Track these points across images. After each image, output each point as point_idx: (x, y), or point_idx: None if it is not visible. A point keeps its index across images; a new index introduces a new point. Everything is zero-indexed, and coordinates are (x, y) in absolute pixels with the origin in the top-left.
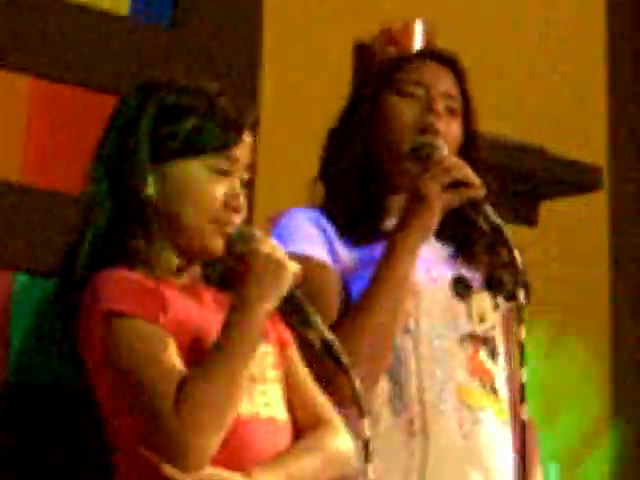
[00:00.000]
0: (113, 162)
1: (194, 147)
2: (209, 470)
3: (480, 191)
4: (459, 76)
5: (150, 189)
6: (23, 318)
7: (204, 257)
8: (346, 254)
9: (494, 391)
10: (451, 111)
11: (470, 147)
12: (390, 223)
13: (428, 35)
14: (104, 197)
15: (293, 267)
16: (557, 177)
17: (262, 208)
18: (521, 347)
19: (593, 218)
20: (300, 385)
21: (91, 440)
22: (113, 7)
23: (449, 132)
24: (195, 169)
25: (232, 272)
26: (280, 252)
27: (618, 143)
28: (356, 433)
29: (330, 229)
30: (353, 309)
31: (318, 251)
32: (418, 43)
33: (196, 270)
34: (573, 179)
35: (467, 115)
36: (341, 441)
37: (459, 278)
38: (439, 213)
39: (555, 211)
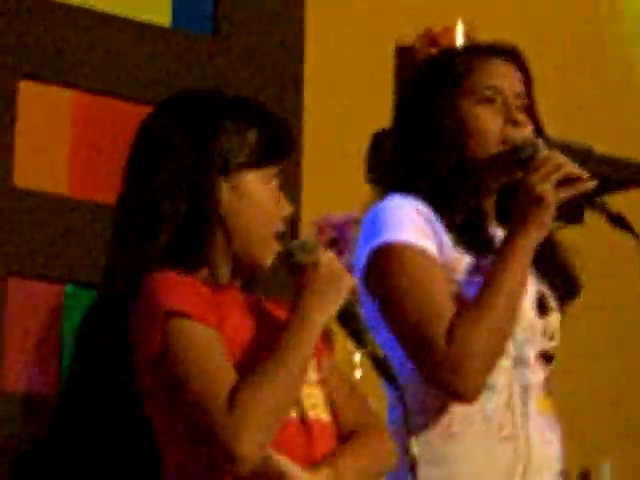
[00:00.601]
0: (178, 172)
1: (255, 160)
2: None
3: (591, 184)
4: (523, 70)
5: (224, 200)
6: (73, 330)
7: (251, 269)
8: (455, 255)
9: (550, 398)
10: (522, 108)
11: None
12: (491, 229)
13: (469, 36)
14: (174, 209)
15: (351, 280)
16: (606, 175)
17: (308, 213)
18: None
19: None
20: (339, 390)
21: (141, 444)
22: (155, 18)
23: (527, 129)
24: (256, 181)
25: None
26: (338, 264)
27: None
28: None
29: (439, 224)
30: (472, 306)
31: (427, 243)
32: (460, 44)
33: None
34: (620, 177)
35: (533, 108)
36: (385, 441)
37: (542, 295)
38: (554, 211)
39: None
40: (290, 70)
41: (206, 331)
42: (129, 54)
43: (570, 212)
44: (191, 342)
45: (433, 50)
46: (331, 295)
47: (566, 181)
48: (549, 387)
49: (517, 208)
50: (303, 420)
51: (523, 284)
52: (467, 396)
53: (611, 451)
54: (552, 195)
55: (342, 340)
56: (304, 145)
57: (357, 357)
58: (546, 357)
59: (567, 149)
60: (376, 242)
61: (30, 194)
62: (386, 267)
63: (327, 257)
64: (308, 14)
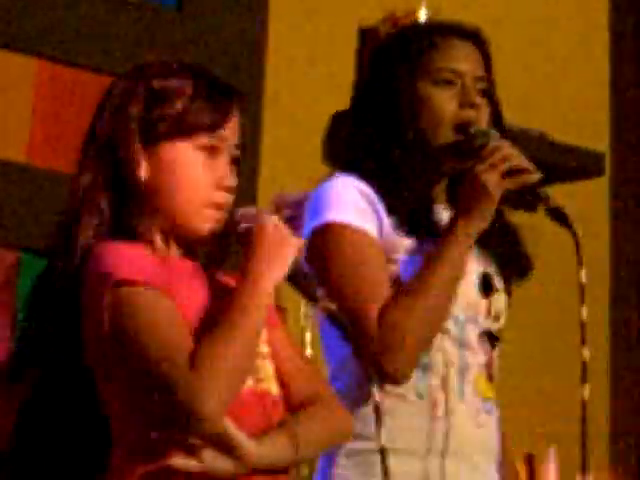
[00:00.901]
0: (106, 145)
1: (182, 129)
2: (226, 424)
3: (536, 176)
4: (484, 53)
5: (142, 171)
6: (27, 300)
7: (192, 238)
8: (395, 237)
9: (492, 380)
10: (482, 92)
11: (497, 124)
12: (438, 212)
13: (433, 18)
14: (99, 183)
15: (297, 241)
16: (558, 163)
17: (265, 191)
18: (582, 326)
19: (594, 204)
20: (292, 362)
21: (90, 416)
22: None
23: (484, 116)
24: (184, 151)
25: (226, 249)
26: (284, 227)
27: (620, 129)
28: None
29: (380, 206)
30: (407, 289)
31: (366, 223)
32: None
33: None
34: (574, 165)
35: (492, 91)
36: (338, 409)
37: (486, 276)
38: (497, 201)
39: (556, 197)
40: (253, 45)
41: (157, 297)
42: (94, 25)
43: (524, 200)
44: (144, 309)
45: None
46: (278, 257)
47: (513, 172)
48: (492, 371)
49: (462, 196)
50: (250, 392)
51: (460, 271)
52: (395, 378)
53: (557, 436)
54: (497, 186)
55: (293, 317)
56: (263, 122)
57: (308, 336)
58: (490, 337)
59: (523, 134)
60: (317, 221)
61: None
62: (324, 246)
63: (271, 221)
64: None
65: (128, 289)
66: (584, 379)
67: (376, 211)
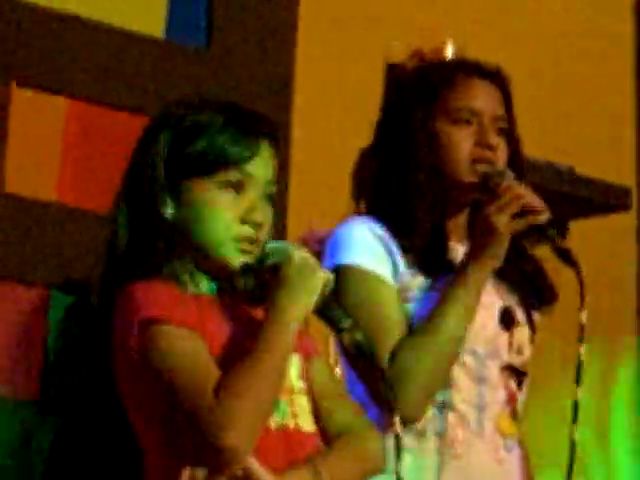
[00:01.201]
0: (134, 182)
1: (206, 166)
2: (249, 460)
3: (545, 216)
4: (504, 92)
5: (168, 209)
6: (58, 334)
7: (223, 273)
8: (408, 276)
9: (516, 417)
10: (500, 131)
11: (516, 163)
12: (453, 249)
13: (458, 56)
14: (125, 217)
15: (325, 273)
16: (585, 197)
17: (294, 224)
18: (578, 366)
19: (621, 237)
20: (329, 393)
21: (123, 447)
22: (149, 29)
23: (501, 155)
24: (209, 187)
25: (265, 285)
26: (312, 260)
27: None
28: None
29: (394, 247)
30: (418, 332)
31: (378, 265)
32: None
33: (225, 285)
34: (601, 199)
35: (512, 130)
36: (372, 442)
37: (506, 309)
38: (507, 242)
39: (584, 231)
40: (281, 83)
41: (185, 334)
42: (122, 64)
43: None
44: (171, 346)
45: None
46: (304, 290)
47: (522, 213)
48: (515, 406)
49: (474, 237)
50: (281, 429)
51: (471, 311)
52: (405, 416)
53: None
54: (506, 227)
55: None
56: (293, 158)
57: (337, 371)
58: (515, 372)
59: (551, 169)
60: (331, 264)
61: (21, 200)
62: (338, 289)
63: (298, 255)
64: (300, 27)
65: (156, 327)
66: (575, 419)
67: (390, 252)
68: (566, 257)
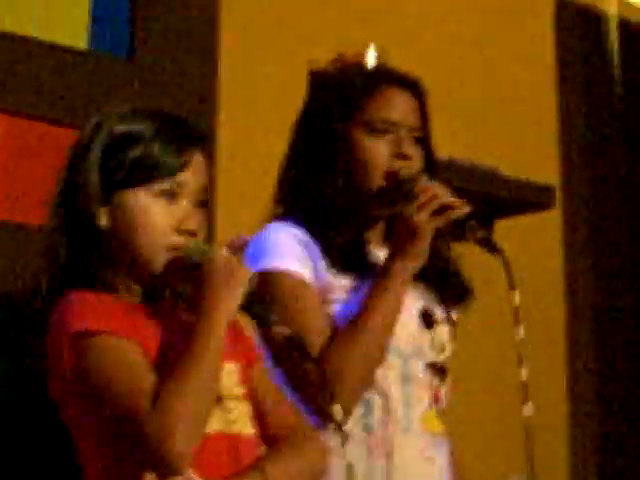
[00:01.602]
0: (67, 194)
1: (139, 176)
2: (187, 474)
3: (464, 209)
4: (421, 102)
5: (102, 219)
6: None
7: (155, 281)
8: (330, 278)
9: (442, 416)
10: (416, 140)
11: (430, 170)
12: (373, 254)
13: (381, 61)
14: (61, 228)
15: (247, 271)
16: (508, 197)
17: (223, 230)
18: (518, 348)
19: (546, 237)
20: (271, 398)
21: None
22: (72, 41)
23: (417, 165)
24: (142, 197)
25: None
26: (234, 259)
27: (570, 162)
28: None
29: (315, 248)
30: (345, 332)
31: (300, 268)
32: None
33: (164, 292)
34: (525, 198)
35: (427, 140)
36: (315, 442)
37: (426, 309)
38: (429, 239)
39: (508, 230)
40: (205, 91)
41: (117, 342)
42: (47, 77)
43: (455, 234)
44: (103, 356)
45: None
46: (229, 289)
47: (441, 210)
48: (440, 404)
49: (395, 238)
50: (219, 435)
51: (397, 311)
52: (341, 413)
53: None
54: (427, 225)
55: None
56: (218, 167)
57: None
58: (437, 369)
59: (475, 170)
60: (254, 269)
61: None
62: (262, 293)
63: (219, 254)
64: (222, 37)
65: (87, 340)
66: (525, 400)
67: (310, 254)
68: (490, 246)
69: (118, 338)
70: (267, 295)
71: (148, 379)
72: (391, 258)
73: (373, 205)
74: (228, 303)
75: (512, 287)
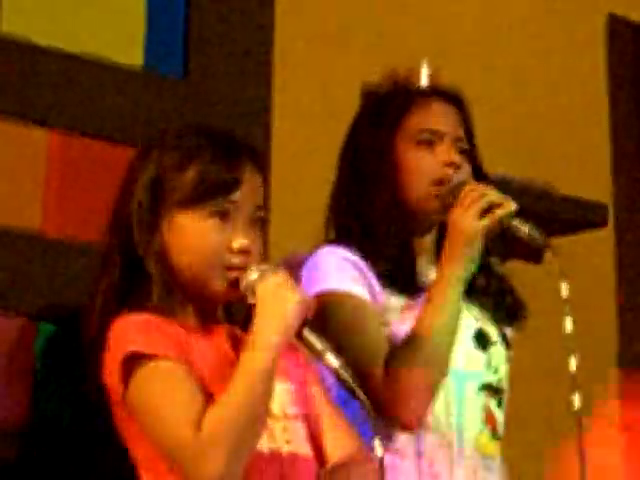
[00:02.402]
0: (121, 214)
1: (192, 197)
2: None
3: (511, 206)
4: (464, 114)
5: (156, 240)
6: (46, 366)
7: (207, 300)
8: (384, 298)
9: (497, 438)
10: (462, 152)
11: (480, 180)
12: (423, 269)
13: (433, 77)
14: (115, 248)
15: (303, 297)
16: (562, 215)
17: (277, 248)
18: (569, 339)
19: (599, 254)
20: (327, 419)
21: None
22: (127, 60)
23: (464, 174)
24: (195, 218)
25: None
26: (287, 285)
27: (622, 180)
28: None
29: (367, 268)
30: (408, 340)
31: (357, 288)
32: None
33: (218, 312)
34: (578, 217)
35: (472, 151)
36: (368, 466)
37: (481, 330)
38: (480, 241)
39: (560, 248)
40: (259, 110)
41: (167, 365)
42: (102, 95)
43: (528, 251)
44: (152, 379)
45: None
46: (281, 315)
47: (489, 209)
48: (495, 426)
49: (446, 243)
50: (275, 455)
51: (456, 314)
52: (412, 423)
53: None
54: (475, 226)
55: None
56: (272, 185)
57: None
58: (492, 390)
59: (527, 187)
60: (309, 293)
61: (4, 231)
62: (320, 316)
63: (274, 279)
64: (276, 56)
65: (137, 362)
66: (573, 388)
67: (364, 276)
68: (539, 240)
69: (168, 361)
70: (325, 319)
71: (194, 405)
72: (442, 265)
73: (423, 214)
74: (277, 331)
75: (561, 278)
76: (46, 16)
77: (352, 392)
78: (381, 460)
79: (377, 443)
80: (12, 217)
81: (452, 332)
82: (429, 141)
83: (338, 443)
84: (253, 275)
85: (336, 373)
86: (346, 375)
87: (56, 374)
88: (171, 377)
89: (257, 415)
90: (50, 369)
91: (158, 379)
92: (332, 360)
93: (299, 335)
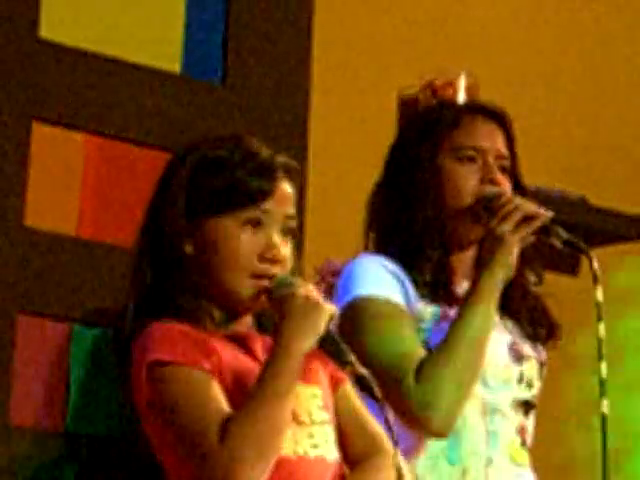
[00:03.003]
0: (154, 219)
1: (225, 204)
2: None
3: (546, 216)
4: (507, 132)
5: (187, 246)
6: (80, 368)
7: (238, 308)
8: (421, 307)
9: (526, 447)
10: (503, 169)
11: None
12: (460, 284)
13: (471, 88)
14: (147, 253)
15: (329, 308)
16: (599, 227)
17: (312, 258)
18: (599, 343)
19: (636, 268)
20: (356, 419)
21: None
22: (165, 65)
23: (505, 188)
24: (228, 225)
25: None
26: (316, 294)
27: None
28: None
29: (405, 278)
30: (441, 345)
31: (393, 294)
32: (462, 96)
33: (247, 320)
34: (615, 229)
35: (514, 169)
36: (388, 472)
37: (514, 343)
38: (516, 250)
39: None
40: (297, 117)
41: (193, 374)
42: (139, 99)
43: (564, 263)
44: (176, 388)
45: (435, 102)
46: (308, 324)
47: (525, 219)
48: (525, 436)
49: (483, 251)
50: (302, 459)
51: (489, 321)
52: (440, 430)
53: None
54: (512, 235)
55: None
56: (308, 191)
57: None
58: (525, 404)
59: (563, 199)
60: (345, 299)
61: (41, 234)
62: (355, 321)
63: (304, 289)
64: (315, 63)
65: (163, 369)
66: (602, 393)
67: (402, 284)
68: (576, 246)
69: (193, 369)
70: (360, 324)
71: (216, 414)
72: (478, 273)
73: (463, 228)
74: (304, 340)
75: (595, 283)
76: (84, 21)
77: (371, 395)
78: (398, 469)
79: (397, 452)
80: (49, 220)
81: (485, 339)
82: (471, 157)
83: (363, 445)
84: (281, 285)
85: (361, 380)
86: (372, 383)
87: (91, 378)
88: (195, 385)
89: (281, 425)
90: (85, 372)
91: (182, 387)
92: (358, 369)
93: (322, 346)
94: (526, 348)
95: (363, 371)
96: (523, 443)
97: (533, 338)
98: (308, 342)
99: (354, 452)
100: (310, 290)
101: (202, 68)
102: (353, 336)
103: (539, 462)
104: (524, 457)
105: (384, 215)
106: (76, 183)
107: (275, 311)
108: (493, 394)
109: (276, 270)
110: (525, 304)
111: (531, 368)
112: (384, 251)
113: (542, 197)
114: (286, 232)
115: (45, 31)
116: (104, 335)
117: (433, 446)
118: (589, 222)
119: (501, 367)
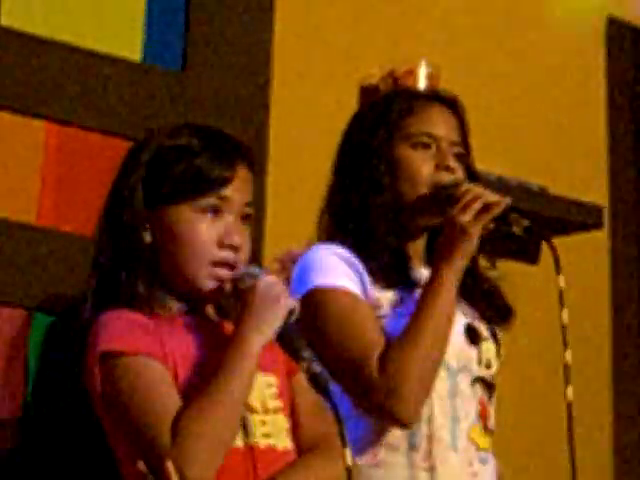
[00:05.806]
0: (113, 207)
1: (183, 191)
2: None
3: (504, 203)
4: (461, 119)
5: (146, 235)
6: (39, 355)
7: (197, 297)
8: (376, 294)
9: (489, 431)
10: (458, 156)
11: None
12: (416, 270)
13: (432, 77)
14: (106, 243)
15: (290, 302)
16: (558, 216)
17: (272, 245)
18: (566, 368)
19: (594, 257)
20: (306, 410)
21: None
22: (126, 53)
23: (458, 174)
24: (186, 212)
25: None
26: (277, 287)
27: (619, 182)
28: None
29: (360, 265)
30: (404, 334)
31: (350, 284)
32: (422, 85)
33: (207, 307)
34: (574, 218)
35: (467, 156)
36: (334, 462)
37: (471, 325)
38: (476, 239)
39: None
40: (257, 105)
41: (144, 363)
42: (100, 87)
43: (524, 250)
44: (127, 377)
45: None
46: (267, 316)
47: (485, 208)
48: (487, 420)
49: (442, 241)
50: (251, 448)
51: (451, 310)
52: (408, 418)
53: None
54: (473, 224)
55: None
56: (268, 179)
57: None
58: (485, 384)
59: (522, 188)
60: (302, 289)
61: (2, 222)
62: (314, 311)
63: (265, 281)
64: (275, 51)
65: (114, 360)
66: (567, 381)
67: (357, 272)
68: (536, 233)
69: (141, 359)
70: (318, 315)
71: (169, 403)
72: (439, 261)
73: (419, 216)
74: (262, 332)
75: (558, 272)
76: (45, 9)
77: (324, 393)
78: (349, 469)
79: (348, 452)
80: (8, 208)
81: (448, 327)
82: (425, 144)
83: (312, 434)
84: (242, 275)
85: (314, 377)
86: (325, 381)
87: (50, 365)
88: (146, 377)
89: (234, 422)
90: (44, 360)
91: (133, 380)
92: (311, 366)
93: (279, 339)
94: (482, 328)
95: (317, 368)
96: (485, 428)
97: (488, 320)
98: (265, 335)
99: (303, 444)
100: (273, 283)
101: (163, 56)
102: (313, 328)
103: (502, 447)
104: (486, 442)
105: (338, 201)
106: (36, 171)
107: (238, 301)
108: (452, 376)
109: (235, 257)
110: (480, 287)
111: (489, 349)
112: (339, 238)
113: (503, 186)
114: (244, 219)
115: (5, 19)
116: (64, 323)
117: (394, 432)
118: (549, 212)
119: (459, 349)
